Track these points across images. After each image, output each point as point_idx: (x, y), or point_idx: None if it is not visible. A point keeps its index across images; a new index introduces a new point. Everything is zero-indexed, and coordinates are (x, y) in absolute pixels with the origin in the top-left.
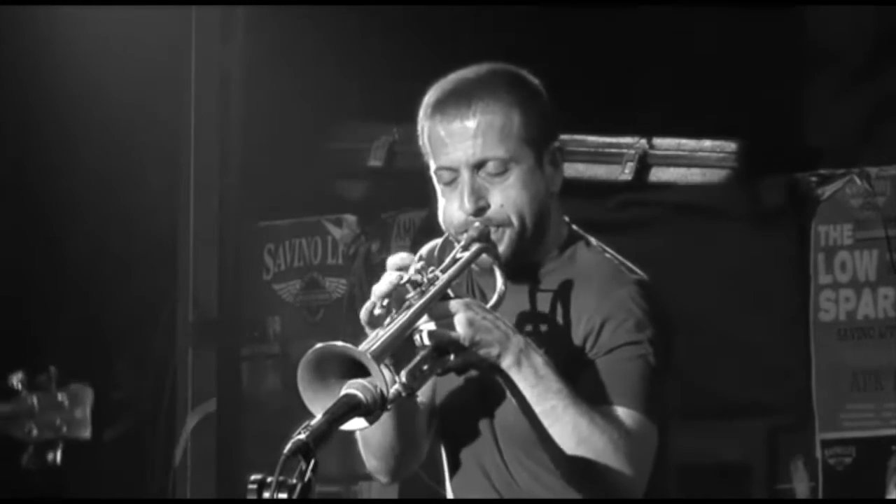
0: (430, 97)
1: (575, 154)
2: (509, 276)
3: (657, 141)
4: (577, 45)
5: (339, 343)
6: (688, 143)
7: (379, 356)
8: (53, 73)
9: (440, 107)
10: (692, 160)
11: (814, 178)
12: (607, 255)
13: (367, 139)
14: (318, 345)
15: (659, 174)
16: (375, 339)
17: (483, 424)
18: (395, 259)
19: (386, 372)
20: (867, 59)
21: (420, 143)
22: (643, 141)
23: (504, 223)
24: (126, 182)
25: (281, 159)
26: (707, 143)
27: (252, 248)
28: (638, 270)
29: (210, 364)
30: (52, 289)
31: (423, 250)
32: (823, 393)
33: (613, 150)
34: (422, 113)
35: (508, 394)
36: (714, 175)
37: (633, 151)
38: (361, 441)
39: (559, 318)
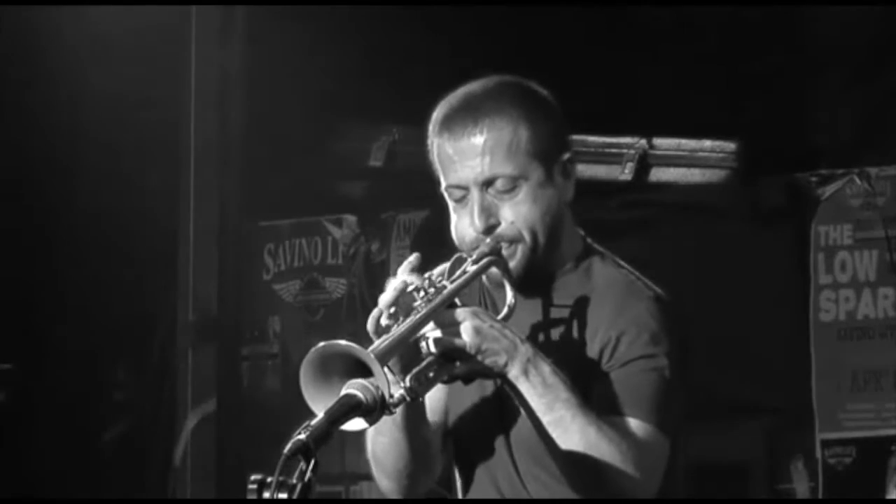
0: (438, 113)
1: (575, 154)
2: (523, 290)
3: (657, 141)
4: (578, 44)
5: (343, 342)
6: (688, 143)
7: (382, 357)
8: (53, 73)
9: (448, 124)
10: (692, 160)
11: (814, 178)
12: (623, 270)
13: (367, 139)
14: (322, 343)
15: (659, 174)
16: (381, 341)
17: (498, 439)
18: (405, 263)
19: (389, 375)
20: (867, 59)
21: (430, 158)
22: (643, 141)
23: (516, 239)
24: (126, 182)
25: (281, 159)
26: (707, 143)
27: (252, 248)
28: (654, 286)
29: (210, 364)
30: (52, 289)
31: (435, 272)
32: (823, 393)
33: (613, 150)
34: (430, 129)
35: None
36: (714, 175)
37: (633, 151)
38: (374, 463)
39: (574, 332)
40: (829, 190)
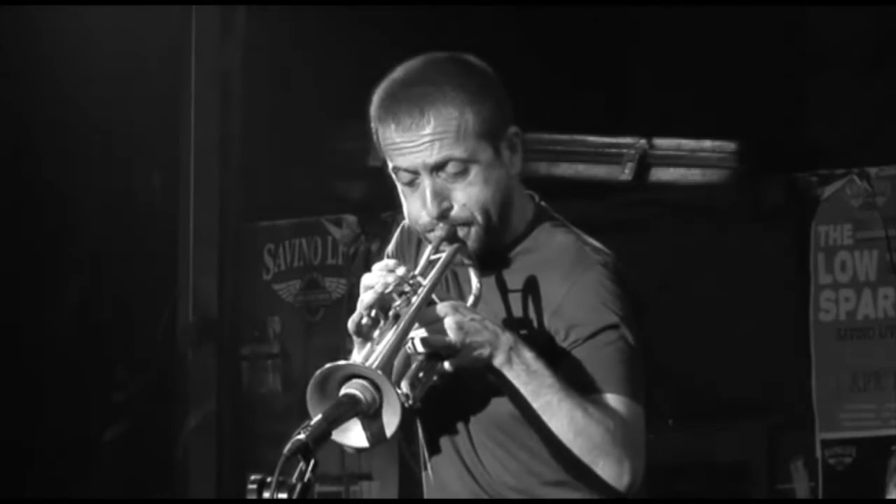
0: (379, 100)
1: (575, 154)
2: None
3: (657, 141)
4: (578, 44)
5: (342, 362)
6: (688, 143)
7: (384, 370)
8: (52, 73)
9: (393, 113)
10: (692, 160)
11: (814, 178)
12: (571, 236)
13: (367, 139)
14: (328, 364)
15: (659, 174)
16: (375, 354)
17: (455, 405)
18: (381, 263)
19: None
20: (867, 58)
21: (374, 140)
22: (643, 141)
23: (469, 221)
24: (126, 182)
25: (281, 159)
26: (707, 143)
27: (252, 248)
28: (602, 248)
29: (210, 364)
30: (52, 289)
31: (390, 248)
32: (823, 393)
33: (613, 150)
34: (373, 114)
35: (494, 385)
36: (714, 175)
37: (633, 151)
38: None
39: (530, 307)
40: (829, 190)
